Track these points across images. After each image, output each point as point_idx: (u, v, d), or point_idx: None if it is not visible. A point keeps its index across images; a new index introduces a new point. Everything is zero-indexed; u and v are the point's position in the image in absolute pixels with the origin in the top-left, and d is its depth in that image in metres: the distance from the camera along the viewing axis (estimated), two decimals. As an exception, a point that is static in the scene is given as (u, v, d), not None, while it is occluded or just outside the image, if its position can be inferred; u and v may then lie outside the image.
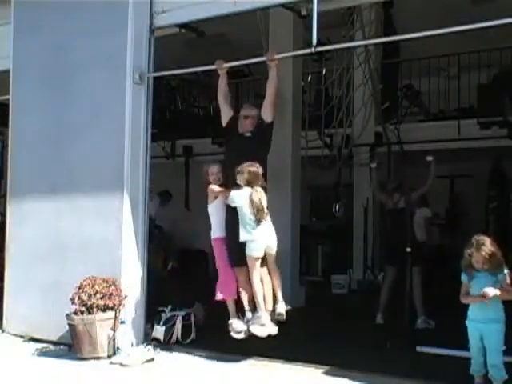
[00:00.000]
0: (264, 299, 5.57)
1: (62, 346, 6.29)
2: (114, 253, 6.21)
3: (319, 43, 5.45)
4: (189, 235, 12.66)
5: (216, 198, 5.78)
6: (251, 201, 5.39)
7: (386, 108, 11.01)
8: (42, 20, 7.01)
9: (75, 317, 5.81)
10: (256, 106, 6.15)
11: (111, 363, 5.69)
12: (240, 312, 5.80)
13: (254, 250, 5.47)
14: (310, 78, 11.13)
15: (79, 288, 5.86)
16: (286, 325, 7.07)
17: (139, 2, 6.40)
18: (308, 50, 5.58)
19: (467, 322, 4.69)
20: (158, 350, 5.99)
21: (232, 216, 5.61)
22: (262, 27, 8.18)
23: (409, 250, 6.48)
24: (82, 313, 5.78)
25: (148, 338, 6.26)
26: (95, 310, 5.76)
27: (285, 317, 5.66)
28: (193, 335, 6.41)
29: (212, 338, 6.30)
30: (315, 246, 12.30)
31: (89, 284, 5.85)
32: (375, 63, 10.73)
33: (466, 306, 4.71)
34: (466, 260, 4.63)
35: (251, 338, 6.36)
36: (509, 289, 4.55)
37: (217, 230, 5.77)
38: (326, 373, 5.25)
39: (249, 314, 5.69)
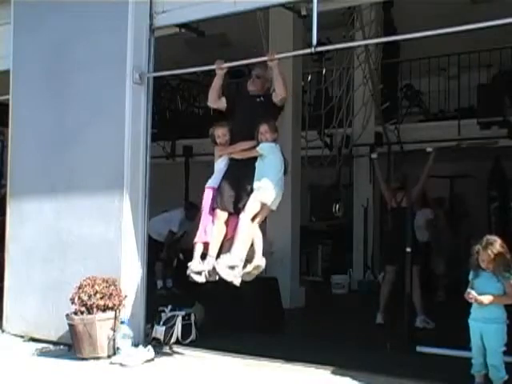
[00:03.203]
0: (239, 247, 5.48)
1: (61, 346, 6.28)
2: (114, 253, 6.20)
3: (319, 43, 5.45)
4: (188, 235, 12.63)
5: (221, 156, 5.95)
6: (285, 158, 5.77)
7: (385, 108, 11.04)
8: (42, 20, 7.00)
9: (75, 317, 5.80)
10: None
11: (111, 363, 5.67)
12: (202, 257, 5.70)
13: (266, 198, 5.55)
14: (309, 78, 11.16)
15: (79, 288, 5.85)
16: (286, 324, 7.06)
17: (139, 1, 6.39)
18: (308, 50, 5.57)
19: (469, 321, 4.69)
20: (158, 349, 5.98)
21: (236, 168, 5.77)
22: (261, 27, 8.19)
23: (409, 250, 6.47)
24: (82, 313, 5.77)
25: (148, 338, 6.24)
26: (95, 310, 5.75)
27: (256, 274, 5.58)
28: (193, 335, 6.40)
29: (212, 337, 6.30)
30: (315, 246, 12.29)
31: (89, 284, 5.84)
32: (375, 63, 10.74)
33: (467, 306, 4.70)
34: (474, 258, 4.64)
35: (251, 338, 6.38)
36: (510, 294, 4.53)
37: (211, 182, 5.89)
38: (326, 373, 5.23)
39: (211, 259, 5.56)
